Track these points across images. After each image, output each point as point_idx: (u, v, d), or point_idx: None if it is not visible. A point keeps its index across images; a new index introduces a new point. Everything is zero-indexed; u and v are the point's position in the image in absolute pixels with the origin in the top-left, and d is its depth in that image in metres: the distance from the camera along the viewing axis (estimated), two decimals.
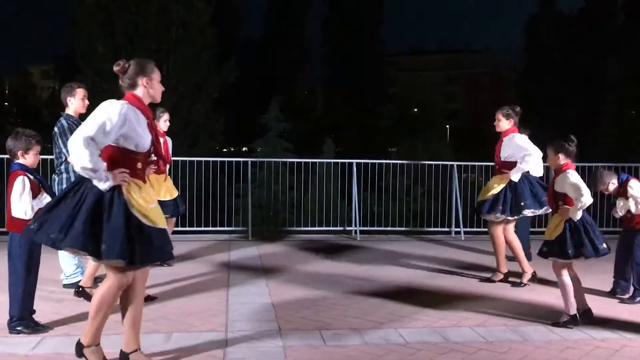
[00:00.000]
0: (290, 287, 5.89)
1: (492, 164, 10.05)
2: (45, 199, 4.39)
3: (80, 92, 5.75)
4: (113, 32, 17.83)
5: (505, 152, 6.18)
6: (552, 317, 4.95)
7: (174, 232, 9.18)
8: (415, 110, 57.12)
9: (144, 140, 3.57)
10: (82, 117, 5.81)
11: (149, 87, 3.65)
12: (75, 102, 5.70)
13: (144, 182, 3.65)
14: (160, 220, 3.61)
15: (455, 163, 9.90)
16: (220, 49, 19.51)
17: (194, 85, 18.56)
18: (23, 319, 4.30)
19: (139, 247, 3.42)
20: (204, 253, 7.73)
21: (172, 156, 10.10)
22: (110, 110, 3.42)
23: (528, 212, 6.20)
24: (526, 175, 6.19)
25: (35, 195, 4.30)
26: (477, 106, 65.74)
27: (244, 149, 32.04)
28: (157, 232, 3.55)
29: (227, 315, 4.86)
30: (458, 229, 9.52)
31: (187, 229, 9.32)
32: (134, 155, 3.55)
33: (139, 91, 3.63)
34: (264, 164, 11.70)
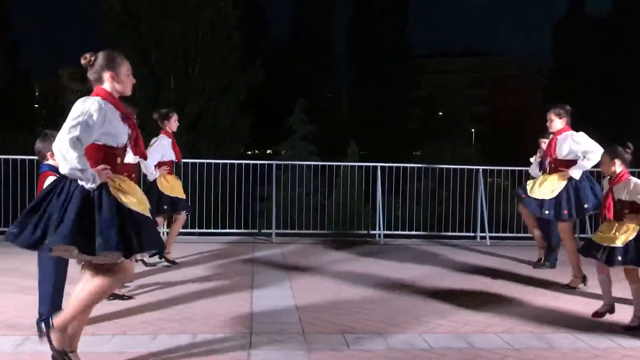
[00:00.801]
0: (314, 290, 5.89)
1: (519, 168, 10.02)
2: None
3: None
4: (140, 37, 18.06)
5: (563, 150, 6.10)
6: (579, 324, 4.88)
7: (200, 234, 9.31)
8: (440, 113, 56.80)
9: (123, 135, 3.56)
10: None
11: (115, 82, 3.57)
12: None
13: (124, 175, 3.61)
14: (147, 210, 3.56)
15: (480, 167, 9.80)
16: (246, 52, 19.64)
17: (221, 88, 18.70)
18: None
19: (135, 237, 3.38)
20: (229, 255, 7.77)
21: (198, 158, 10.24)
22: (89, 108, 3.38)
23: (589, 213, 6.20)
24: (585, 174, 6.15)
25: None
26: (503, 109, 65.07)
27: (268, 151, 32.20)
28: (147, 220, 3.51)
29: (251, 318, 4.88)
30: (483, 234, 9.42)
31: (212, 230, 9.40)
32: (113, 151, 3.53)
33: (107, 85, 3.56)
34: (289, 167, 11.74)
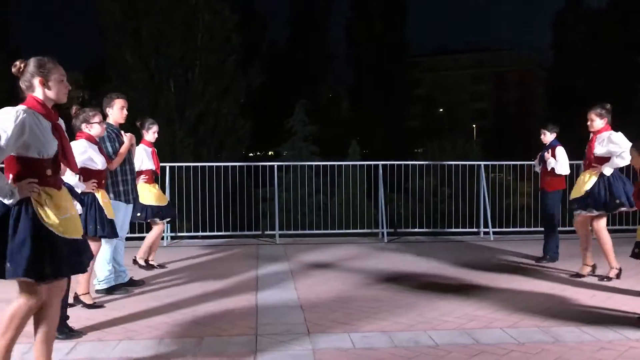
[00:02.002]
0: (319, 290, 5.90)
1: (521, 162, 10.03)
2: (76, 205, 4.47)
3: (119, 102, 5.92)
4: (140, 41, 18.10)
5: (601, 149, 6.13)
6: (585, 317, 4.87)
7: (203, 237, 9.33)
8: (441, 110, 56.78)
9: (49, 146, 3.34)
10: (121, 126, 5.98)
11: (46, 88, 3.40)
12: (114, 112, 5.87)
13: (58, 189, 3.42)
14: (73, 230, 3.39)
15: (482, 163, 9.80)
16: (245, 54, 19.68)
17: (220, 91, 18.74)
18: (58, 325, 4.38)
19: (49, 261, 3.19)
20: (232, 257, 7.79)
21: (200, 161, 10.26)
22: (3, 121, 3.17)
23: (623, 209, 6.19)
24: (617, 173, 6.16)
25: None
26: (505, 105, 65.03)
27: (270, 153, 32.23)
28: (69, 243, 3.32)
29: (256, 319, 4.89)
30: (487, 230, 9.42)
31: (216, 233, 9.42)
32: (40, 163, 3.31)
33: (38, 93, 3.39)
34: (290, 168, 11.76)
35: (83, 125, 5.20)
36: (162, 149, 16.03)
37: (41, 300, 3.37)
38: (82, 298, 5.26)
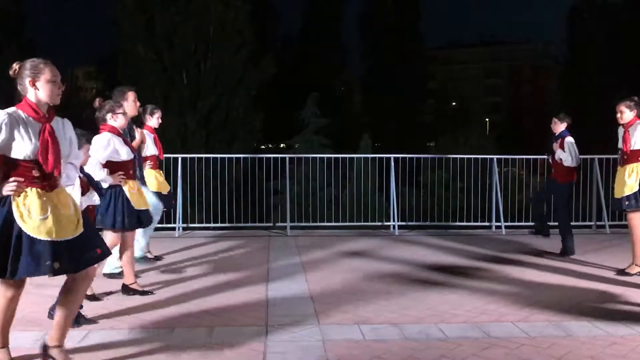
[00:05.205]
0: (329, 282, 5.91)
1: (534, 157, 9.96)
2: (94, 196, 4.51)
3: (132, 95, 5.98)
4: (154, 34, 18.14)
5: (638, 140, 6.03)
6: (597, 312, 4.85)
7: (214, 229, 9.38)
8: (454, 104, 56.52)
9: (25, 148, 3.33)
10: (133, 119, 6.02)
11: (36, 88, 3.41)
12: (128, 105, 5.91)
13: (47, 189, 3.40)
14: (58, 232, 3.32)
15: (495, 157, 9.73)
16: (257, 46, 19.67)
17: (233, 83, 18.75)
18: None
19: (11, 260, 3.19)
20: (244, 248, 7.82)
21: (212, 153, 10.34)
22: None
23: None
24: None
25: (84, 192, 4.42)
26: (518, 99, 64.59)
27: (281, 145, 32.25)
28: (43, 245, 3.25)
29: (267, 310, 4.91)
30: (499, 224, 9.37)
31: (227, 224, 9.46)
32: (25, 164, 3.34)
33: (30, 94, 3.42)
34: (302, 160, 11.76)
35: (109, 116, 5.19)
36: (174, 141, 16.15)
37: (18, 292, 3.44)
38: (132, 287, 5.33)
